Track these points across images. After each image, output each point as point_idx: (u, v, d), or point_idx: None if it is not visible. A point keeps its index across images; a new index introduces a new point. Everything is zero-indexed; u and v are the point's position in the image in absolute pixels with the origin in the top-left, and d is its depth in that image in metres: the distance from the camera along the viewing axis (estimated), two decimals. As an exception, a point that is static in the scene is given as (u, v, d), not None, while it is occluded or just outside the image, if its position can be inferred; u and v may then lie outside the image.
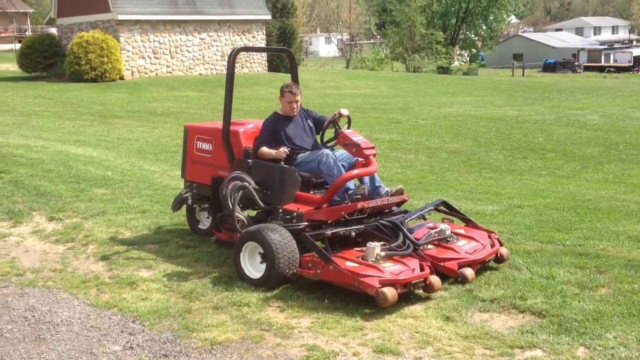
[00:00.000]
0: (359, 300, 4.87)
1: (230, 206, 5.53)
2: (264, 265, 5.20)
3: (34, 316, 4.84)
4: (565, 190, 8.71)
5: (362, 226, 5.40)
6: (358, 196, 5.46)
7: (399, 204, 5.83)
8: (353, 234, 5.33)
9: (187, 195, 6.61)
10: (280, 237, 5.13)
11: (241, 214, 5.62)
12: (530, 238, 6.38)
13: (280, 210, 5.59)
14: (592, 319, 4.47)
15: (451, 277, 5.21)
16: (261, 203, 5.72)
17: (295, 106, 6.08)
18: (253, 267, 5.31)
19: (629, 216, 7.23)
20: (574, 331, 4.32)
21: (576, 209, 7.57)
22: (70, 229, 7.01)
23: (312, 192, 5.78)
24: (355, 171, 5.54)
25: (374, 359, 4.07)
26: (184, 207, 6.80)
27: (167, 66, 29.10)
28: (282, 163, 5.80)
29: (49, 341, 4.43)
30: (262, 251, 5.21)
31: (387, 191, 5.69)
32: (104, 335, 4.49)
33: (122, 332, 4.54)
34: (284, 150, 5.84)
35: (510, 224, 6.85)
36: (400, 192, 5.70)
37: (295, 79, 6.65)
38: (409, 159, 11.35)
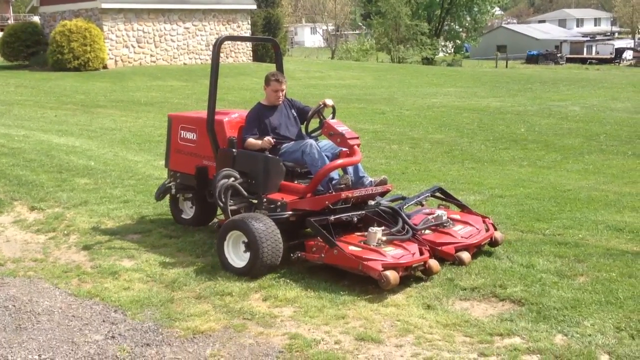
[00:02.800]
0: (341, 289, 4.91)
1: (222, 205, 5.56)
2: (247, 255, 5.21)
3: (14, 306, 4.81)
4: (545, 181, 8.80)
5: (363, 212, 5.53)
6: (342, 186, 5.49)
7: (382, 194, 5.88)
8: (355, 219, 5.43)
9: (170, 184, 6.59)
10: (264, 226, 5.14)
11: (235, 207, 5.65)
12: (510, 227, 6.45)
13: (265, 200, 5.60)
14: (571, 306, 4.54)
15: (448, 260, 5.31)
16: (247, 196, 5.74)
17: (280, 95, 6.08)
18: (237, 256, 5.32)
19: (607, 206, 7.33)
20: (553, 319, 4.38)
21: (556, 198, 7.66)
22: (52, 219, 6.97)
23: (296, 182, 5.80)
24: (339, 161, 5.56)
25: (355, 346, 4.11)
26: (168, 196, 6.79)
27: (151, 55, 28.85)
28: (267, 152, 5.81)
29: (29, 330, 4.42)
30: (246, 240, 5.22)
31: (371, 181, 5.73)
32: (85, 325, 4.49)
33: (103, 321, 4.53)
34: (268, 139, 5.85)
35: (491, 214, 6.90)
36: (383, 183, 5.75)
37: (280, 69, 6.63)
38: (393, 150, 11.40)
